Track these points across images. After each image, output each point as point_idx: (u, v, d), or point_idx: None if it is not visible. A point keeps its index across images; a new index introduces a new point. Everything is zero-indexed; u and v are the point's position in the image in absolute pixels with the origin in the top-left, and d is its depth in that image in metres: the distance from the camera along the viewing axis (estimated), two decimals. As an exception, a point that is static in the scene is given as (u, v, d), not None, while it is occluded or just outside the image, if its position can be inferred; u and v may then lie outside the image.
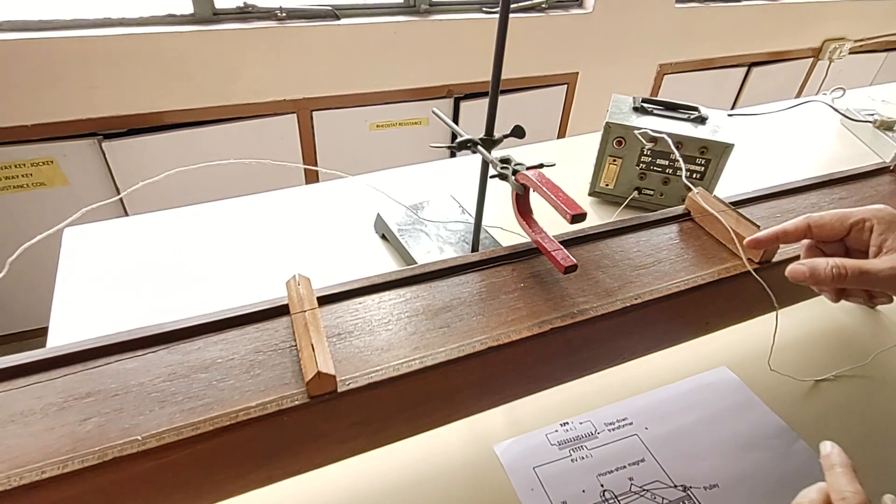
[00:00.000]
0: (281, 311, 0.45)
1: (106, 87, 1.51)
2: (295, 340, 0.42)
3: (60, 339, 0.64)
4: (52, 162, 1.52)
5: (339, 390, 0.39)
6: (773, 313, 0.52)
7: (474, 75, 1.92)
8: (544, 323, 0.46)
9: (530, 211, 0.55)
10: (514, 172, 0.53)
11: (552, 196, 0.46)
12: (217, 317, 0.43)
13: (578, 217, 0.44)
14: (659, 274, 0.53)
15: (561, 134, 2.22)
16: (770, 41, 2.44)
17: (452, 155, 1.87)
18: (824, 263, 0.41)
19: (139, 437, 0.35)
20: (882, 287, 0.41)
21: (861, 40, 2.64)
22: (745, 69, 2.47)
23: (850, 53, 2.65)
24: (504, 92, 1.98)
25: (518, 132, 0.63)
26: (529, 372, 0.49)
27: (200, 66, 1.58)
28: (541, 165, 0.54)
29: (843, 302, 0.48)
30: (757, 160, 1.11)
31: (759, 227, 0.56)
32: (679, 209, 0.62)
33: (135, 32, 1.48)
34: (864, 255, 0.44)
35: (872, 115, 1.26)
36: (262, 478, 0.41)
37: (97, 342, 0.41)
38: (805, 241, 0.47)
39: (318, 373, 0.37)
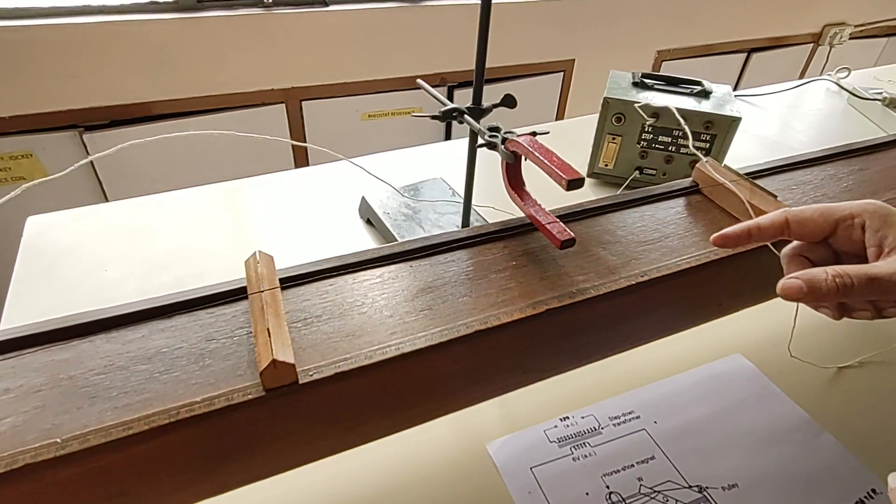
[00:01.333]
0: (240, 293, 0.40)
1: (86, 78, 1.45)
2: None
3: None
4: (31, 155, 1.46)
5: (301, 382, 0.33)
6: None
7: (468, 63, 1.85)
8: (539, 304, 0.40)
9: (522, 183, 0.49)
10: (504, 141, 0.48)
11: (545, 161, 0.41)
12: (164, 301, 0.38)
13: (575, 182, 0.39)
14: (667, 250, 0.47)
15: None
16: (770, 26, 2.38)
17: (447, 137, 1.81)
18: (823, 274, 0.33)
19: (59, 440, 0.29)
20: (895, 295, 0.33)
21: (861, 25, 2.58)
22: (744, 55, 2.41)
23: (850, 39, 2.59)
24: (500, 80, 1.93)
25: (508, 101, 0.58)
26: (523, 360, 0.43)
27: (185, 56, 1.52)
28: (533, 133, 0.49)
29: None
30: (763, 141, 1.06)
31: (776, 196, 0.51)
32: (685, 182, 0.57)
33: (116, 20, 1.42)
34: (858, 258, 0.36)
35: (880, 93, 1.21)
36: (215, 486, 0.35)
37: (23, 330, 0.35)
38: (785, 251, 0.39)
39: (274, 361, 0.32)
